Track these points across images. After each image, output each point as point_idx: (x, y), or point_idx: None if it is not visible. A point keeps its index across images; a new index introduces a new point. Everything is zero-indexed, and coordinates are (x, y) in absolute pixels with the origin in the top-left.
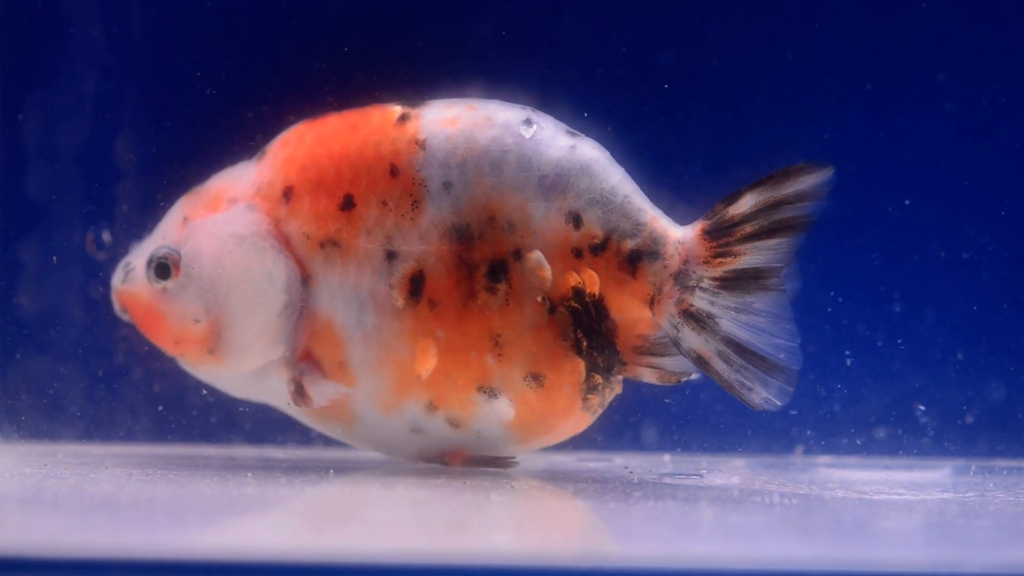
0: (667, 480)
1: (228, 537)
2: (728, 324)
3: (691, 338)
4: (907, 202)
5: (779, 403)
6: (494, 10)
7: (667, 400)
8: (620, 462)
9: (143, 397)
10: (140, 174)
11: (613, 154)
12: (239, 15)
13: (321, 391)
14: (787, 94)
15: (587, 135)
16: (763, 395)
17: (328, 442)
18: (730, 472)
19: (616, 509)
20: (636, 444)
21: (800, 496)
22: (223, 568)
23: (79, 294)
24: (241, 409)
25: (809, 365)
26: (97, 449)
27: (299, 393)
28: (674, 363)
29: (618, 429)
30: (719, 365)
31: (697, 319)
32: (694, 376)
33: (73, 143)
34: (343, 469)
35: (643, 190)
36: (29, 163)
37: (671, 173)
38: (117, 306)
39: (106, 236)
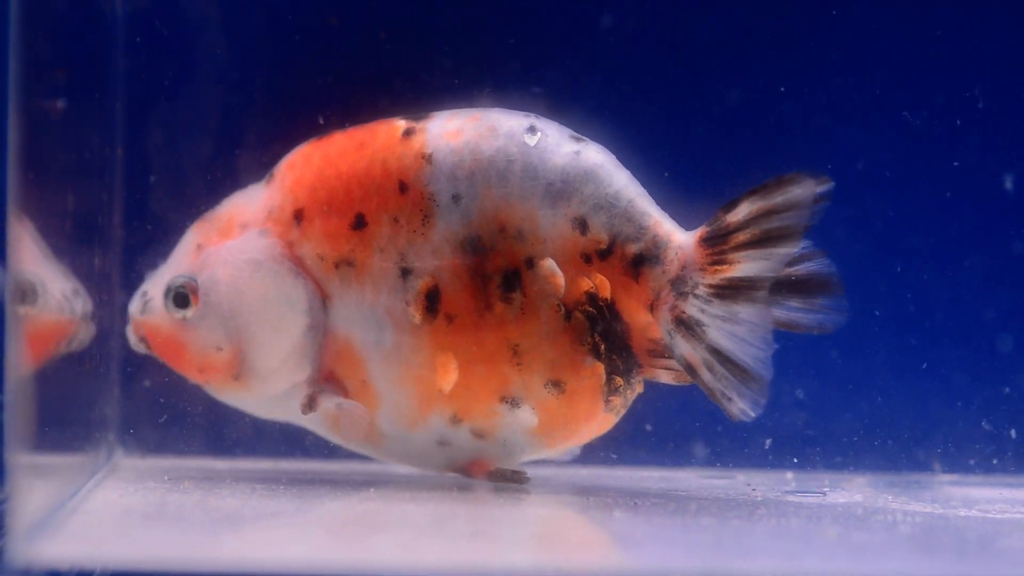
0: (790, 498)
1: (353, 551)
2: (714, 333)
3: (682, 345)
4: None
5: (752, 414)
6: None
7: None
8: (743, 479)
9: None
10: None
11: (628, 157)
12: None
13: (336, 404)
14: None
15: (598, 139)
16: (739, 406)
17: None
18: (853, 490)
19: (739, 527)
20: (758, 462)
21: (923, 515)
22: None
23: None
24: None
25: (932, 385)
26: (219, 464)
27: (309, 405)
28: None
29: (741, 446)
30: (705, 374)
31: (688, 326)
32: None
33: (198, 158)
34: (464, 487)
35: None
36: (153, 179)
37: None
38: (134, 338)
39: None
